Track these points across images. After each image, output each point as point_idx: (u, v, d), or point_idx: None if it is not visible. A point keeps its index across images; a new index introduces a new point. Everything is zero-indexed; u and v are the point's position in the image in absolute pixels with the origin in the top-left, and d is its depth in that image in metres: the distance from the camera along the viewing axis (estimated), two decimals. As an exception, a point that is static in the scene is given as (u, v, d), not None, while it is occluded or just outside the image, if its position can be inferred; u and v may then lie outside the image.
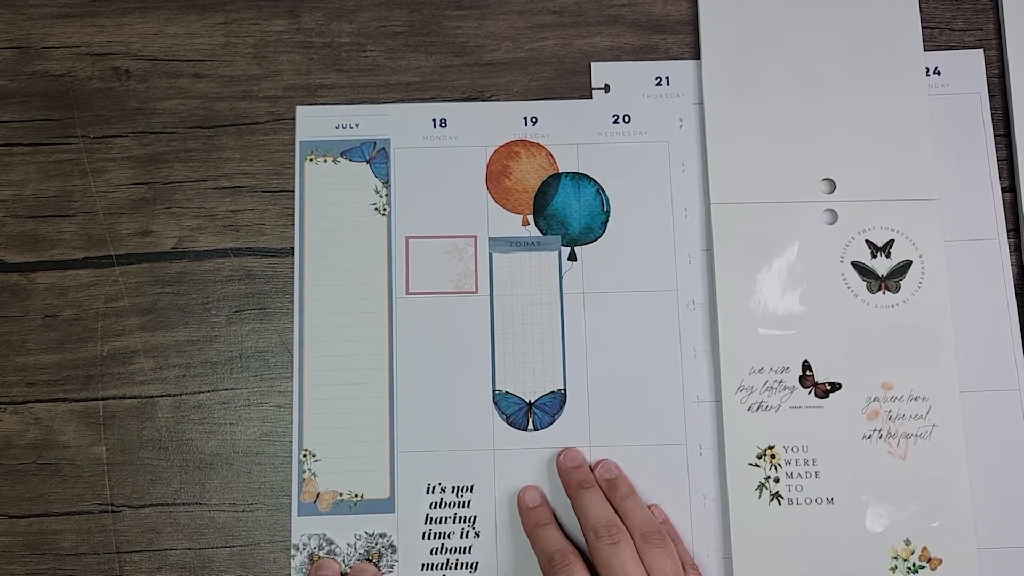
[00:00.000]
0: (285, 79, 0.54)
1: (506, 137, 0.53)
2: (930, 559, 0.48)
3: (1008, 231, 0.52)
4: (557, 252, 0.52)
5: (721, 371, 0.50)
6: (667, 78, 0.54)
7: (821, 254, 0.51)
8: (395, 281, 0.52)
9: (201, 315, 0.52)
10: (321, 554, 0.49)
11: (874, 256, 0.51)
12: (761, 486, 0.49)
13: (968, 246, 0.52)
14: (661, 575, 0.43)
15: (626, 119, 0.54)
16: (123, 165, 0.53)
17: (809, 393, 0.50)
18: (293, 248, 0.52)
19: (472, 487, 0.50)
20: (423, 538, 0.49)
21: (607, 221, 0.53)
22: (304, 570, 0.49)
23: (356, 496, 0.49)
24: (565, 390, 0.51)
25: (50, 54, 0.54)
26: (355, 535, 0.49)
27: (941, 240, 0.51)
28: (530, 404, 0.50)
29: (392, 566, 0.49)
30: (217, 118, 0.54)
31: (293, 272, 0.52)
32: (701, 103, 0.54)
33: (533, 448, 0.50)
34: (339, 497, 0.49)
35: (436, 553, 0.49)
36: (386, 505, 0.49)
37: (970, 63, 0.54)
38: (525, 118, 0.54)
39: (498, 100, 0.54)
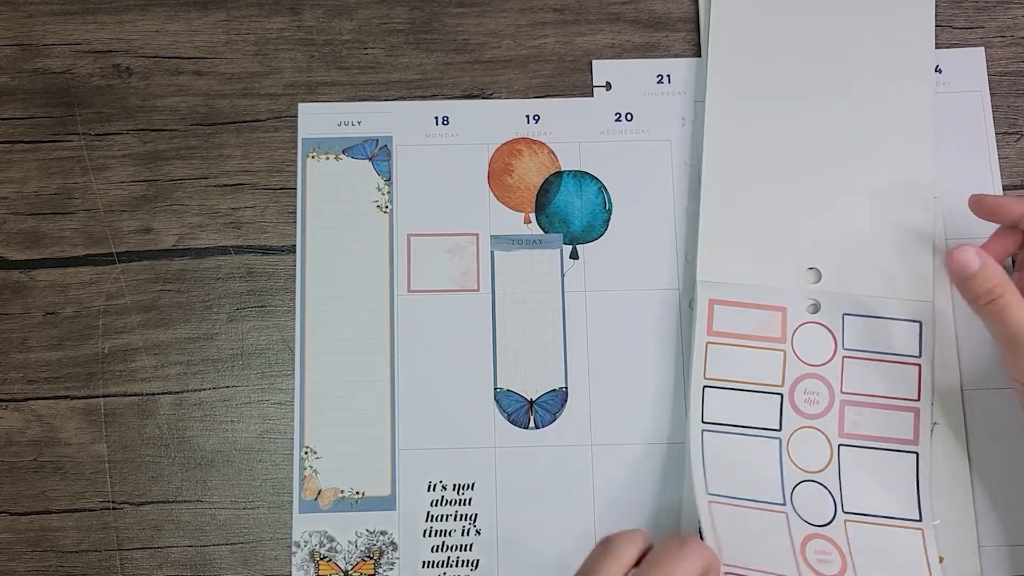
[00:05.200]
0: (286, 76, 0.54)
1: (508, 135, 0.53)
2: (931, 557, 0.48)
3: (1009, 229, 0.52)
4: (559, 250, 0.52)
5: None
6: (668, 76, 0.54)
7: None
8: (397, 279, 0.52)
9: (202, 313, 0.52)
10: (322, 551, 0.49)
11: None
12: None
13: (969, 245, 0.52)
14: None
15: (628, 117, 0.54)
16: (124, 162, 0.53)
17: None
18: (294, 246, 0.52)
19: (473, 485, 0.50)
20: (424, 536, 0.49)
21: (609, 219, 0.53)
22: (304, 567, 0.49)
23: (357, 493, 0.49)
24: (566, 388, 0.51)
25: (51, 51, 0.54)
26: (356, 532, 0.49)
27: (943, 239, 0.51)
28: (531, 402, 0.51)
29: (393, 564, 0.49)
30: (218, 115, 0.54)
31: (294, 270, 0.52)
32: (703, 101, 0.54)
33: (534, 446, 0.50)
34: (340, 494, 0.49)
35: (437, 551, 0.49)
36: (387, 503, 0.49)
37: (971, 61, 0.54)
38: (527, 116, 0.54)
39: (499, 98, 0.54)
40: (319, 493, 0.49)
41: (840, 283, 0.50)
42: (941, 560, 0.48)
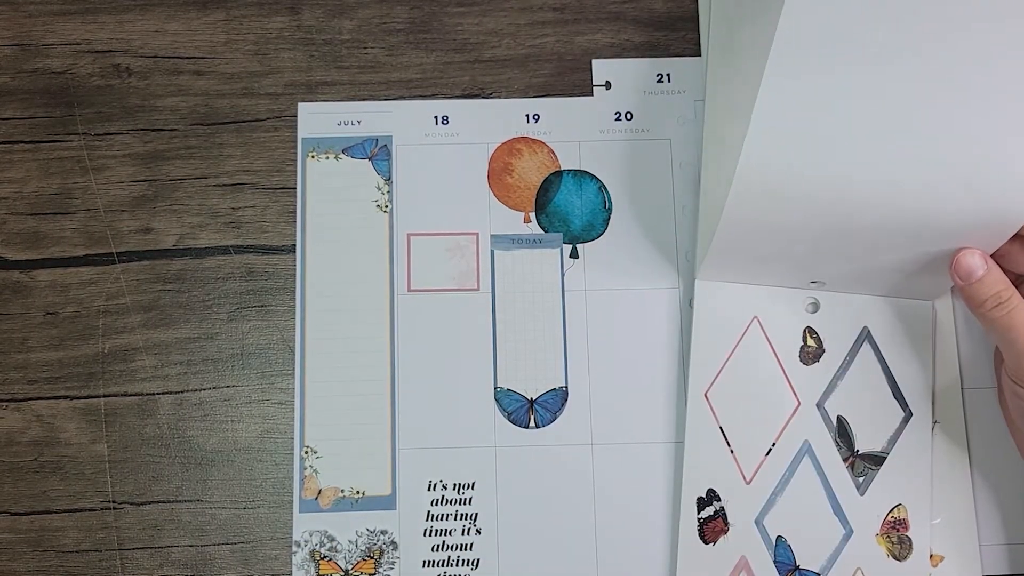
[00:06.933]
0: (286, 76, 0.54)
1: (508, 134, 0.53)
2: (931, 555, 0.48)
3: (1009, 228, 0.52)
4: (559, 249, 0.52)
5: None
6: (668, 75, 0.54)
7: None
8: (397, 278, 0.52)
9: (202, 312, 0.52)
10: (323, 551, 0.49)
11: None
12: (762, 483, 0.49)
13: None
14: None
15: (628, 116, 0.54)
16: (124, 162, 0.53)
17: None
18: (294, 245, 0.52)
19: (473, 484, 0.50)
20: (424, 535, 0.49)
21: (609, 219, 0.53)
22: (305, 567, 0.49)
23: (357, 493, 0.49)
24: (567, 387, 0.51)
25: (51, 51, 0.54)
26: (356, 532, 0.49)
27: None
28: (531, 401, 0.51)
29: (393, 563, 0.49)
30: (218, 115, 0.54)
31: (294, 269, 0.52)
32: (703, 100, 0.54)
33: (534, 445, 0.50)
34: (340, 494, 0.49)
35: (437, 550, 0.49)
36: (387, 502, 0.49)
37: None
38: (527, 115, 0.54)
39: (499, 97, 0.54)
40: (319, 492, 0.49)
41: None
42: (942, 559, 0.48)
